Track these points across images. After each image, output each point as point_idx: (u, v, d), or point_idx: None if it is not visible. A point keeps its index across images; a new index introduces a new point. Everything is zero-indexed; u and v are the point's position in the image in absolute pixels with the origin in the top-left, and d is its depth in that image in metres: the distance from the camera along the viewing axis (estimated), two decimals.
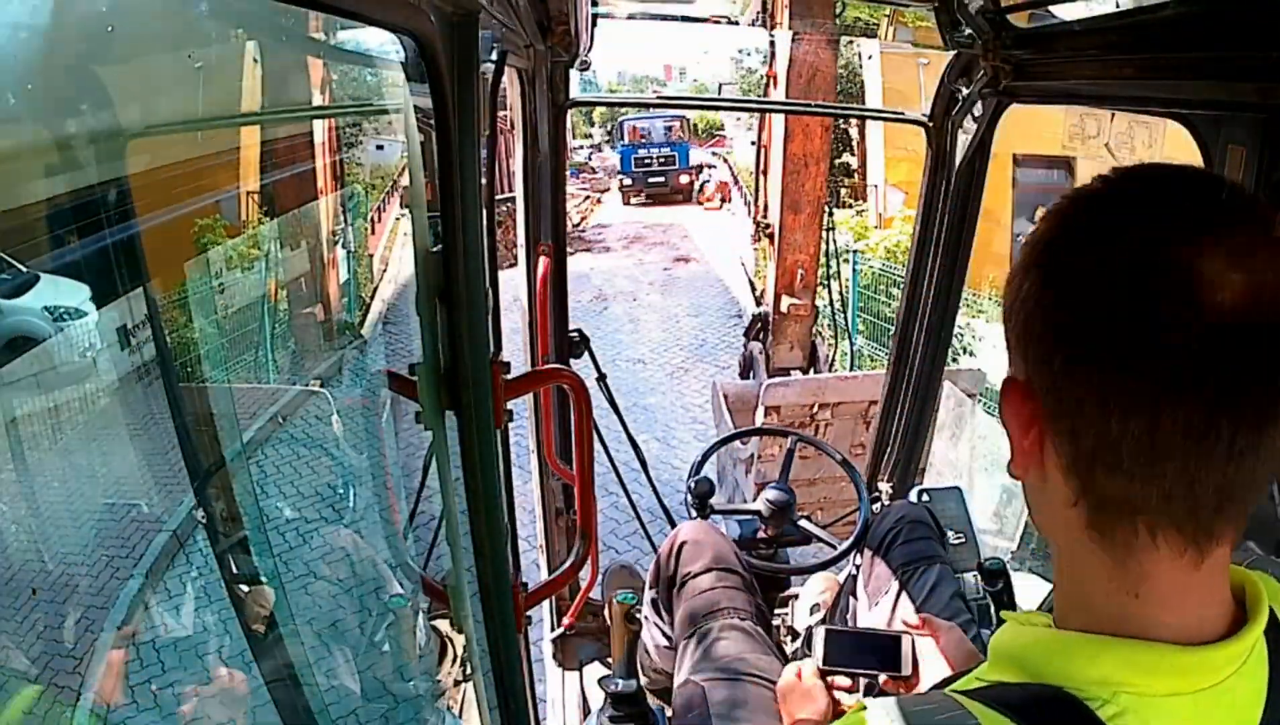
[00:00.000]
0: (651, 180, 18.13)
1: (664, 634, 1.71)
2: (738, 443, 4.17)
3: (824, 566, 1.98)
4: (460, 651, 1.74)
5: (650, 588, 1.76)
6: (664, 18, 3.18)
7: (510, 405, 0.96)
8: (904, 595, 1.52)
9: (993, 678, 0.56)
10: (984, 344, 8.16)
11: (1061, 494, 0.52)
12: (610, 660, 1.68)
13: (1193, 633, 0.51)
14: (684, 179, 18.36)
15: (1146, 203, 0.50)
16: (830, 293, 5.55)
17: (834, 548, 1.92)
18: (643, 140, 18.40)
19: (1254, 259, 0.46)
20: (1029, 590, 1.90)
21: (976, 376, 4.50)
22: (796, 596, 2.11)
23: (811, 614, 1.97)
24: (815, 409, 4.14)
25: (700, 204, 18.13)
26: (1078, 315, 0.49)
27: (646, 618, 1.77)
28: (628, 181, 18.54)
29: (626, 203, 18.51)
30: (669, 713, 1.57)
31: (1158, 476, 0.48)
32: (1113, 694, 0.50)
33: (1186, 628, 0.51)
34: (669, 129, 18.26)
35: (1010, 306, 0.54)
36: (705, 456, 2.12)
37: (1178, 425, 0.46)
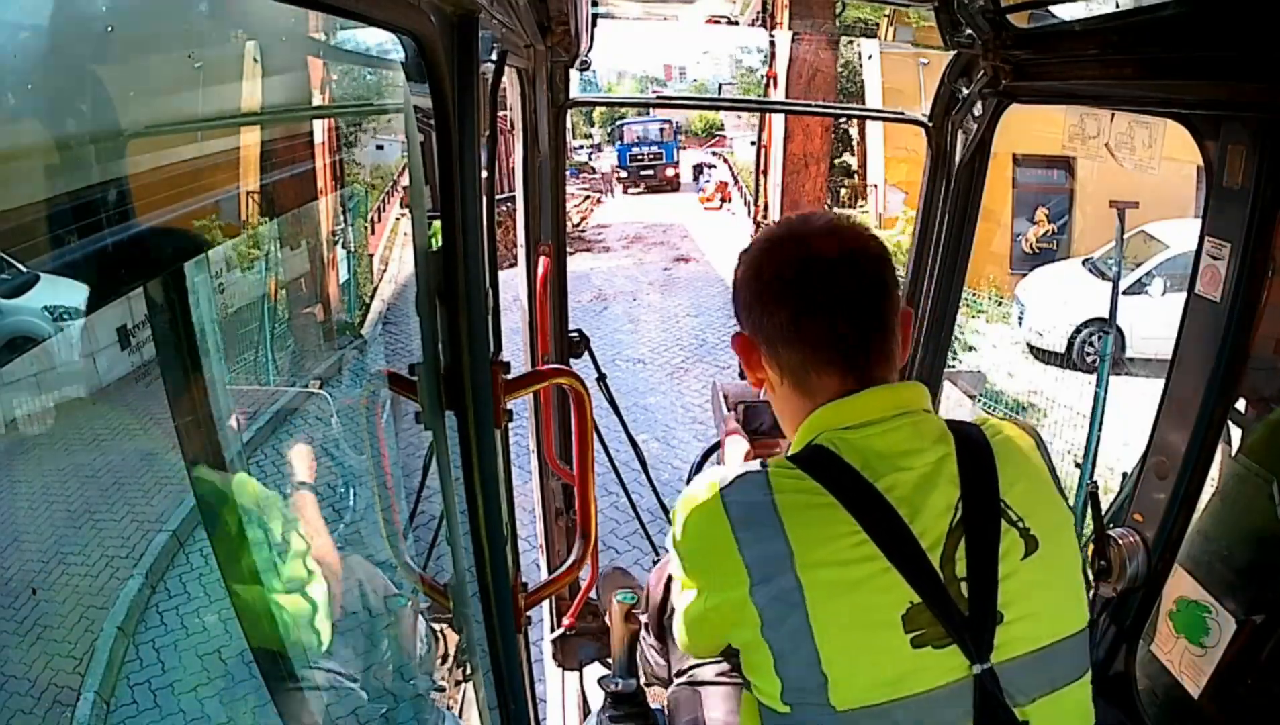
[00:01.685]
0: (643, 172, 22.09)
1: (658, 653, 1.69)
2: None
3: None
4: (460, 651, 1.74)
5: (641, 611, 1.74)
6: (664, 18, 3.18)
7: (510, 405, 0.96)
8: None
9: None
10: (984, 344, 8.17)
11: (776, 378, 0.99)
12: (610, 660, 1.68)
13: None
14: (669, 171, 22.23)
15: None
16: None
17: None
18: (637, 141, 22.26)
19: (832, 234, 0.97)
20: None
21: (976, 378, 4.50)
22: None
23: None
24: None
25: (702, 203, 18.76)
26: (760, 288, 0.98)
27: (643, 638, 1.76)
28: (623, 174, 22.48)
29: (625, 191, 22.04)
30: (669, 713, 1.57)
31: (810, 349, 0.95)
32: (830, 438, 0.92)
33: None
34: (660, 130, 22.07)
35: (734, 292, 1.02)
36: (705, 456, 2.12)
37: (816, 320, 0.94)
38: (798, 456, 0.93)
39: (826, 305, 0.93)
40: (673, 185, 21.96)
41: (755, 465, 0.92)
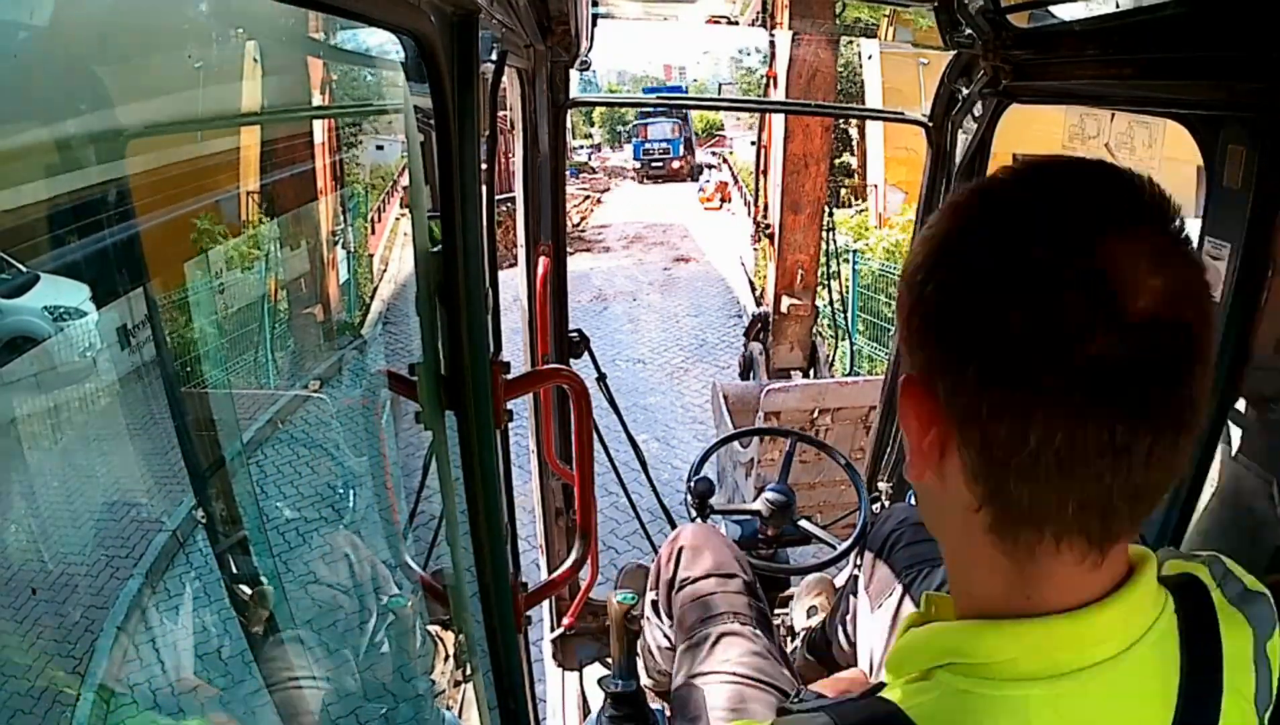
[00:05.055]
0: (654, 165, 25.42)
1: (665, 636, 1.71)
2: (737, 445, 4.17)
3: (824, 566, 1.98)
4: (460, 651, 1.74)
5: (650, 590, 1.76)
6: (664, 18, 3.18)
7: (510, 405, 0.96)
8: (907, 598, 1.52)
9: (889, 685, 0.57)
10: None
11: (962, 499, 0.50)
12: (610, 660, 1.68)
13: (1065, 604, 0.50)
14: (676, 164, 25.33)
15: (1058, 200, 0.48)
16: (830, 293, 5.55)
17: (834, 548, 1.92)
18: (650, 138, 25.61)
19: (1170, 260, 0.46)
20: None
21: None
22: (795, 595, 2.11)
23: (809, 616, 1.96)
24: (815, 414, 4.13)
25: (702, 203, 19.01)
26: (990, 324, 0.47)
27: (648, 619, 1.76)
28: (637, 166, 26.02)
29: (641, 182, 25.26)
30: (669, 713, 1.57)
31: (1073, 486, 0.47)
32: (955, 674, 0.51)
33: (1062, 601, 0.50)
34: (671, 129, 25.10)
35: (911, 306, 0.52)
36: (705, 456, 2.12)
37: (1100, 436, 0.45)
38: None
39: (1138, 425, 0.46)
40: (679, 176, 24.88)
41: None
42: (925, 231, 0.53)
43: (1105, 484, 0.46)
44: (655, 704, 1.65)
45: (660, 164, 25.19)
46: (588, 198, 20.39)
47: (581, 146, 31.92)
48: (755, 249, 7.24)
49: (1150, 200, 0.48)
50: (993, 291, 0.47)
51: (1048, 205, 0.48)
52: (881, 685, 0.58)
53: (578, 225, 16.77)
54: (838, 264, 6.06)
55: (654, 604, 1.74)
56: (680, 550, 1.68)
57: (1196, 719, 0.51)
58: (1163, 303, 0.45)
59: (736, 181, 19.24)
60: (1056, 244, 0.46)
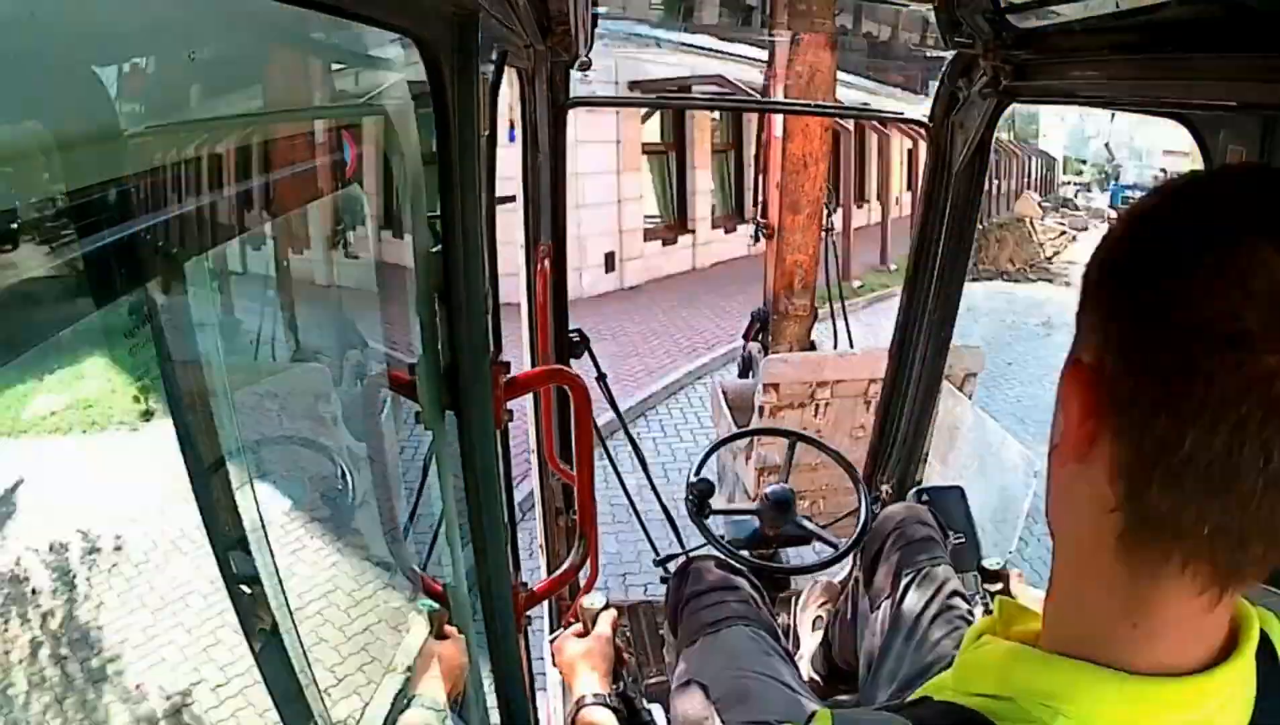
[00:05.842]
0: None
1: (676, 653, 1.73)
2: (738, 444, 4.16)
3: (824, 566, 1.98)
4: (460, 652, 1.74)
5: (667, 620, 1.79)
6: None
7: (510, 405, 0.96)
8: (907, 597, 1.52)
9: (951, 692, 0.54)
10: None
11: (1100, 495, 0.47)
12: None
13: (1174, 665, 0.48)
14: None
15: (1258, 201, 0.45)
16: (831, 294, 5.54)
17: (834, 548, 1.92)
18: None
19: None
20: (1029, 592, 1.89)
21: (977, 354, 4.31)
22: (798, 594, 2.10)
23: (814, 628, 1.97)
24: (815, 387, 4.09)
25: None
26: (1180, 309, 0.43)
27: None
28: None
29: None
30: (667, 715, 1.57)
31: (1214, 506, 0.43)
32: (1053, 715, 0.47)
33: (1170, 659, 0.48)
34: None
35: (1099, 278, 0.48)
36: (705, 457, 2.12)
37: (1256, 457, 0.41)
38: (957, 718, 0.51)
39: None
40: None
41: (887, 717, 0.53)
42: (1132, 207, 0.49)
43: (1250, 511, 0.43)
44: (651, 705, 1.65)
45: None
46: (1063, 233, 17.04)
47: (1069, 182, 28.40)
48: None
49: None
50: (1193, 275, 0.43)
51: (1275, 207, 0.44)
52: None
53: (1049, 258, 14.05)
54: (839, 265, 6.05)
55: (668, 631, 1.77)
56: (687, 574, 1.73)
57: None
58: None
59: None
60: (1275, 246, 0.42)
